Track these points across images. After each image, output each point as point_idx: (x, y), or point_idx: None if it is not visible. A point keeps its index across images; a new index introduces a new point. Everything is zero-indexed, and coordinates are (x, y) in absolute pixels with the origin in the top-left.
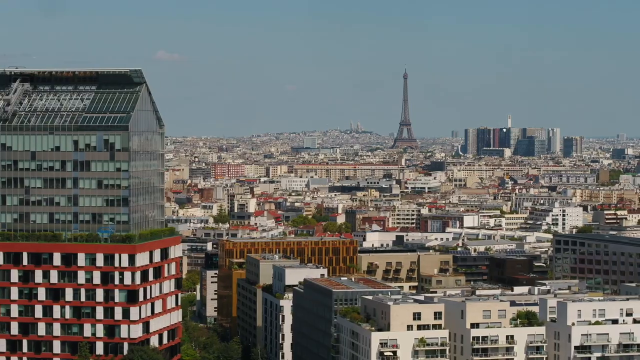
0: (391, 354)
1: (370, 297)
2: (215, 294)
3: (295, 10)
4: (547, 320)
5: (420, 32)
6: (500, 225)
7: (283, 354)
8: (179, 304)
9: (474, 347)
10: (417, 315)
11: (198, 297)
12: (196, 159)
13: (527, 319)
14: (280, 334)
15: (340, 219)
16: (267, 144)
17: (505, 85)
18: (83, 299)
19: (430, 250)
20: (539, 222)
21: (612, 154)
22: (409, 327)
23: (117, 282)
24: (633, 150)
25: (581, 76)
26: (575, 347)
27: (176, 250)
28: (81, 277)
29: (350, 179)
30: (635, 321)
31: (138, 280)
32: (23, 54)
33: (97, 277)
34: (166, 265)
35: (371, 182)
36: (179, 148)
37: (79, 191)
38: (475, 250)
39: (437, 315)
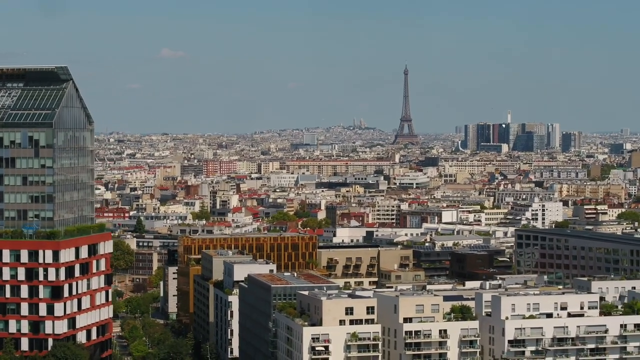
0: (323, 348)
1: (306, 293)
2: (177, 290)
3: (297, 8)
4: (482, 314)
5: (421, 28)
6: (479, 221)
7: (232, 349)
8: (110, 299)
9: (407, 341)
10: (349, 310)
11: (162, 294)
12: (192, 156)
13: (462, 314)
14: (229, 330)
15: (321, 215)
16: (268, 141)
17: (508, 81)
18: (8, 295)
19: (399, 246)
20: (518, 217)
21: (610, 148)
22: (342, 322)
23: (41, 278)
24: (631, 145)
25: (584, 71)
26: (509, 341)
27: (106, 247)
28: (6, 273)
29: (341, 175)
30: (569, 315)
31: (63, 277)
32: (24, 52)
33: (21, 274)
34: (95, 262)
35: (359, 178)
36: (178, 145)
37: (4, 188)
38: (441, 246)
39: (370, 310)
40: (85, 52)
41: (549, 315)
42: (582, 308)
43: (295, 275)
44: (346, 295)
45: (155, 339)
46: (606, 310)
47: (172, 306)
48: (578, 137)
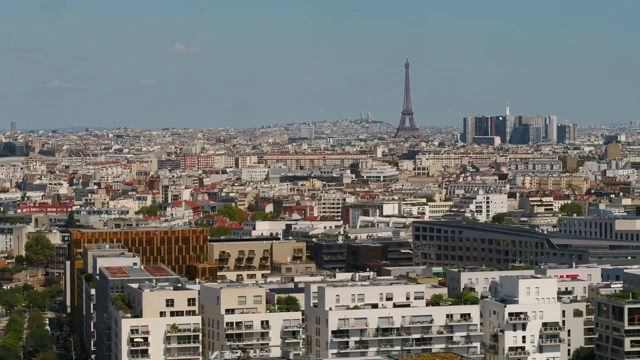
0: (142, 340)
1: (135, 285)
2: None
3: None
4: (310, 305)
5: (422, 23)
6: (423, 213)
7: (94, 342)
8: None
9: (228, 332)
10: (170, 302)
11: (64, 288)
12: (180, 151)
13: (287, 305)
14: (92, 322)
15: (270, 209)
16: (267, 135)
17: (510, 74)
18: None
19: (314, 239)
20: (462, 210)
21: (604, 140)
22: (162, 314)
23: None
24: (626, 137)
25: (591, 63)
26: (333, 332)
27: None
28: None
29: (308, 169)
30: (395, 305)
31: None
32: (39, 49)
33: None
34: None
35: (324, 172)
36: (175, 140)
37: None
38: (354, 238)
39: (191, 301)
40: (98, 48)
41: (374, 306)
42: (407, 299)
43: (142, 267)
44: (171, 288)
45: (34, 333)
46: (434, 300)
47: (69, 300)
48: (572, 129)
